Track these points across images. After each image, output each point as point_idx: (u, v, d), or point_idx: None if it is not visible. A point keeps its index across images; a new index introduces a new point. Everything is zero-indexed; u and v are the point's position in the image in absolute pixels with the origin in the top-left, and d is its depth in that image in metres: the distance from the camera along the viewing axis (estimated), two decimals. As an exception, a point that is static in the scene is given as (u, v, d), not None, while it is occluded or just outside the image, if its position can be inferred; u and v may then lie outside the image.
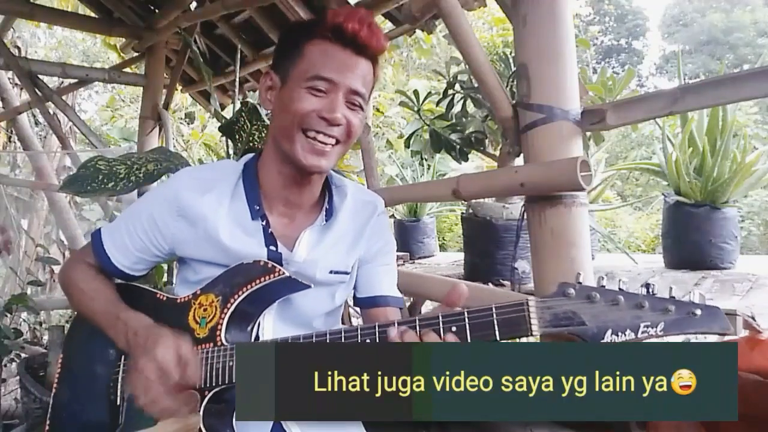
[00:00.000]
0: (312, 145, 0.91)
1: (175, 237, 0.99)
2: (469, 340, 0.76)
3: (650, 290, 0.71)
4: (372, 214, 1.08)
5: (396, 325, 0.79)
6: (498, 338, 0.75)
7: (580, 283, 0.74)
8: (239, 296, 0.92)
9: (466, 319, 0.76)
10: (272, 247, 0.97)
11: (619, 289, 0.72)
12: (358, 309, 1.15)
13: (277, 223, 1.00)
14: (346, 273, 1.05)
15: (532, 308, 0.74)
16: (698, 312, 0.68)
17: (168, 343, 0.85)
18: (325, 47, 0.91)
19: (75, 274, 1.05)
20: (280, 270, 0.91)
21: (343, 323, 1.17)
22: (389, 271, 1.11)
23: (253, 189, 1.00)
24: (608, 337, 0.71)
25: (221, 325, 0.92)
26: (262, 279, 0.92)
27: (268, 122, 1.93)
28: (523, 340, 0.79)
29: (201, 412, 0.87)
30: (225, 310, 0.92)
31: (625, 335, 0.70)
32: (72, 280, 1.05)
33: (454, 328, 0.76)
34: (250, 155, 1.06)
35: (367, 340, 0.81)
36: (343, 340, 0.82)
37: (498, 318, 0.75)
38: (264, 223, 0.98)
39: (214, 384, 0.88)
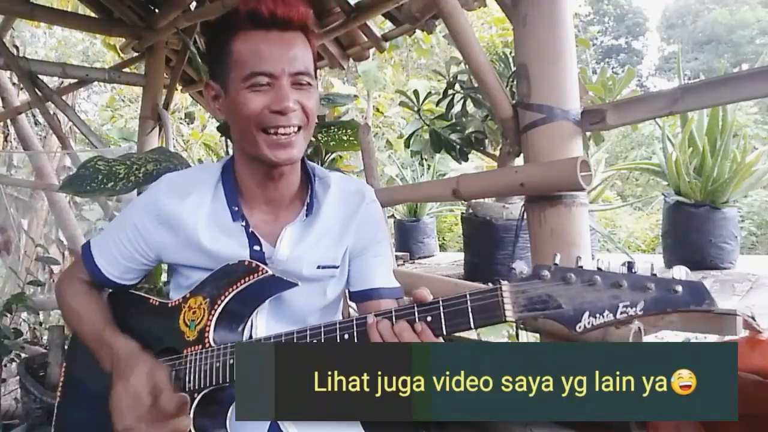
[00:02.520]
0: (275, 140, 0.88)
1: (159, 244, 0.99)
2: (444, 329, 0.75)
3: (631, 269, 0.67)
4: (359, 203, 1.04)
5: (372, 316, 0.78)
6: (473, 326, 0.74)
7: (556, 264, 0.71)
8: (225, 297, 0.92)
9: (441, 308, 0.76)
10: (255, 247, 0.96)
11: (597, 268, 0.69)
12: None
13: (259, 221, 0.99)
14: (335, 267, 1.03)
15: (505, 293, 0.72)
16: (679, 288, 0.65)
17: (142, 371, 0.86)
18: (249, 39, 0.87)
19: (66, 293, 1.06)
20: (263, 269, 0.91)
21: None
22: (381, 263, 1.08)
23: (231, 190, 0.98)
24: (586, 320, 0.68)
25: (209, 326, 0.92)
26: (247, 279, 0.91)
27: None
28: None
29: (191, 414, 0.87)
30: (212, 312, 0.92)
31: (603, 317, 0.67)
32: (64, 299, 1.06)
33: (429, 318, 0.76)
34: (229, 156, 1.04)
35: (345, 335, 0.80)
36: (323, 336, 0.82)
37: (472, 305, 0.74)
38: (244, 223, 0.97)
39: (203, 386, 0.89)
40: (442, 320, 0.75)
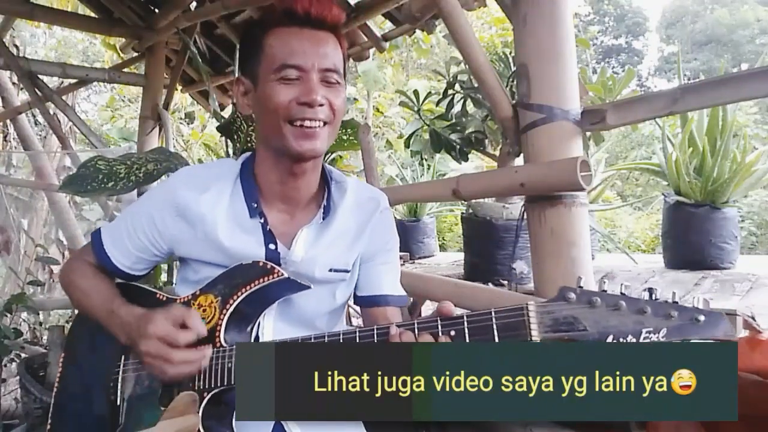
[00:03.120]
0: (301, 131, 0.90)
1: (174, 237, 0.99)
2: None
3: (653, 295, 0.70)
4: (374, 210, 1.06)
5: (395, 327, 0.78)
6: None
7: (581, 287, 0.73)
8: (238, 297, 0.92)
9: (465, 323, 0.76)
10: (271, 245, 0.97)
11: (621, 293, 0.71)
12: (358, 309, 1.14)
13: (275, 220, 0.99)
14: (347, 271, 1.04)
15: (531, 313, 0.73)
16: (701, 318, 0.67)
17: (157, 315, 0.86)
18: (282, 35, 0.90)
19: (74, 273, 1.05)
20: (278, 271, 0.91)
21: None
22: (391, 270, 1.09)
23: (250, 187, 0.99)
24: None
25: (220, 326, 0.91)
26: (261, 280, 0.91)
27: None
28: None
29: (200, 413, 0.87)
30: (224, 311, 0.92)
31: (626, 341, 0.70)
32: (71, 279, 1.05)
33: (453, 332, 0.76)
34: (249, 153, 1.05)
35: None
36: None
37: (497, 322, 0.74)
38: (262, 220, 0.97)
39: (212, 385, 0.88)
40: (466, 335, 0.76)
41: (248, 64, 0.95)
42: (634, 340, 0.69)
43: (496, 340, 0.74)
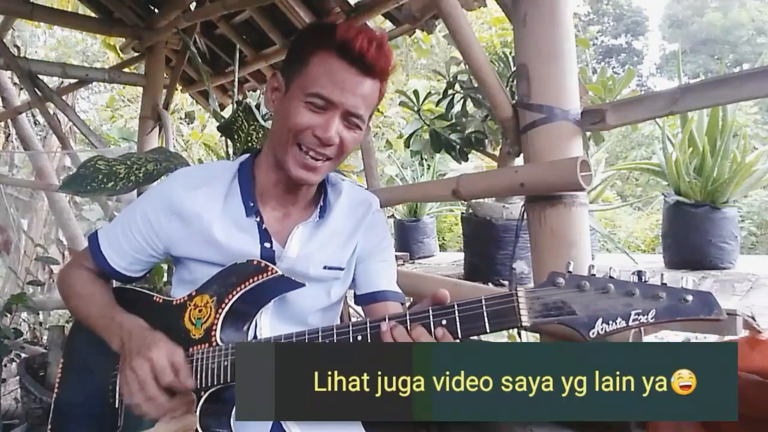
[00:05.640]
0: (303, 159, 0.92)
1: (170, 236, 1.00)
2: (459, 333, 0.76)
3: (641, 278, 0.70)
4: (367, 211, 1.09)
5: (387, 319, 0.78)
6: (488, 330, 0.74)
7: (570, 272, 0.73)
8: (233, 296, 0.92)
9: (456, 312, 0.76)
10: (266, 244, 0.98)
11: (610, 276, 0.71)
12: (359, 309, 1.14)
13: (271, 219, 1.01)
14: (341, 269, 1.06)
15: (521, 299, 0.73)
16: (690, 298, 0.67)
17: (162, 346, 0.86)
18: (330, 63, 0.89)
19: (72, 279, 1.06)
20: (273, 269, 0.92)
21: (342, 321, 1.17)
22: (387, 267, 1.11)
23: (248, 187, 1.00)
24: (599, 326, 0.69)
25: (216, 325, 0.92)
26: (256, 278, 0.92)
27: (263, 123, 1.93)
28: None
29: (197, 413, 0.87)
30: (219, 311, 0.93)
31: (616, 323, 0.69)
32: (69, 285, 1.05)
33: (444, 322, 0.76)
34: (247, 155, 1.07)
35: (359, 337, 0.80)
36: (335, 337, 0.82)
37: (488, 309, 0.74)
38: (258, 219, 0.99)
39: (209, 384, 0.89)
40: (457, 324, 0.76)
41: (289, 68, 0.95)
42: (623, 323, 0.69)
43: (487, 327, 0.74)
